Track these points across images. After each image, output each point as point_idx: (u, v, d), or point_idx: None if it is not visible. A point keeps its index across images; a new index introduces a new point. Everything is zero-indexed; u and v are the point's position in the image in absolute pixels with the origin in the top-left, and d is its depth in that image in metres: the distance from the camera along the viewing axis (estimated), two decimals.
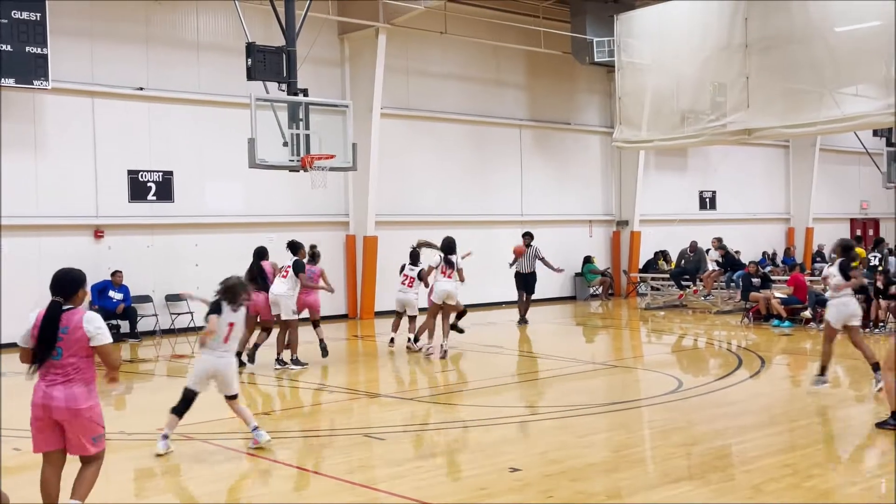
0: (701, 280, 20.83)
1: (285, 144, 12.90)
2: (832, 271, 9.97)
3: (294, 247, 12.75)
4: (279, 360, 12.50)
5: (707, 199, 27.56)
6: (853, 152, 29.73)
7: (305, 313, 13.04)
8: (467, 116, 21.78)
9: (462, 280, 13.33)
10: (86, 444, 5.43)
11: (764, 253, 27.46)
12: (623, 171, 25.01)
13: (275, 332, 12.79)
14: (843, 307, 9.80)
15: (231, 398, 7.86)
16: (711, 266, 21.53)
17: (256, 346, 12.66)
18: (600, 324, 19.53)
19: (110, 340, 5.51)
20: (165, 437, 7.66)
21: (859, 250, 20.78)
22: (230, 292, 7.82)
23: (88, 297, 5.79)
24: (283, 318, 12.42)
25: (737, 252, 23.32)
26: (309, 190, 13.89)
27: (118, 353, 5.51)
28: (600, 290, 23.94)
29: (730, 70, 17.20)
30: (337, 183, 18.42)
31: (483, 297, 20.84)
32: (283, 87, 13.26)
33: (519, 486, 6.59)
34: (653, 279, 22.91)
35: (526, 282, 18.26)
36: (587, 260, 23.88)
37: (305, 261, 12.84)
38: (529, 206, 23.05)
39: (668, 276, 22.39)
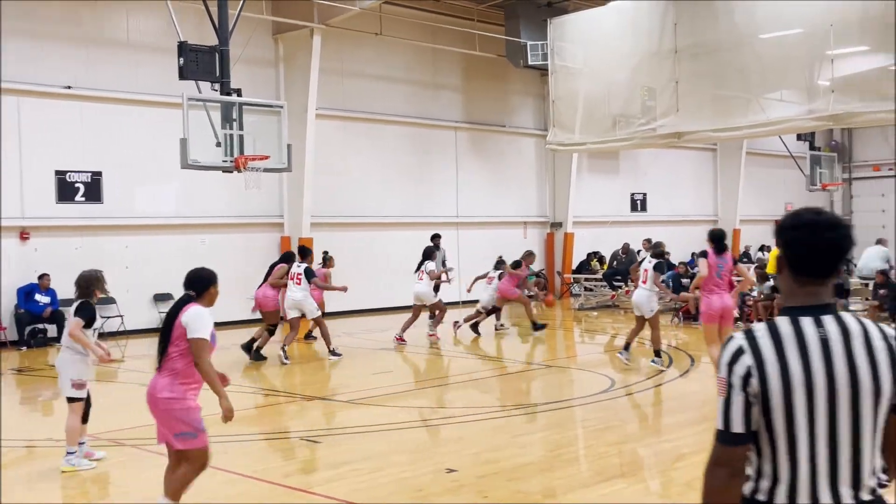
0: (633, 281, 21.14)
1: (218, 145, 12.69)
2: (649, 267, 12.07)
3: (303, 252, 13.79)
4: (332, 352, 13.52)
5: (638, 201, 28.01)
6: (778, 156, 30.48)
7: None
8: (403, 118, 21.76)
9: (432, 280, 15.30)
10: (169, 437, 5.57)
11: (693, 254, 27.97)
12: (557, 173, 25.26)
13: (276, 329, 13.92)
14: (638, 299, 12.07)
15: (69, 401, 7.36)
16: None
17: (259, 346, 13.41)
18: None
19: (200, 336, 5.47)
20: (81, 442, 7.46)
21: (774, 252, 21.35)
22: (76, 286, 7.54)
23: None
24: (310, 317, 13.70)
25: (667, 254, 23.71)
26: (243, 191, 13.72)
27: (205, 352, 5.47)
28: (535, 291, 24.08)
29: (660, 75, 17.52)
30: (271, 184, 18.22)
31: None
32: (217, 86, 13.05)
33: (455, 486, 6.60)
34: (586, 280, 23.19)
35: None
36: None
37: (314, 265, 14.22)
38: (465, 207, 23.14)
39: (600, 277, 22.68)
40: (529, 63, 21.35)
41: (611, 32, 18.43)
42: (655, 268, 12.06)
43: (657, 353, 11.95)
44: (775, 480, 2.53)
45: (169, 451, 5.76)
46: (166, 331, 5.58)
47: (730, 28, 16.48)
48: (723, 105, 17.06)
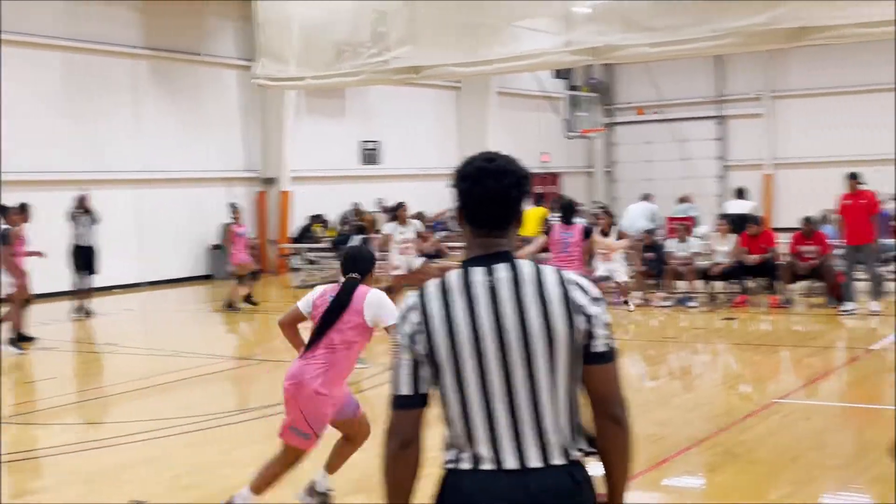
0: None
1: None
2: None
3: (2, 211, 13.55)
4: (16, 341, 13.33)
5: (370, 152, 28.35)
6: (532, 96, 32.14)
7: None
8: (62, 41, 20.61)
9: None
10: (287, 424, 6.24)
11: (438, 216, 28.89)
12: (267, 115, 25.01)
13: None
14: None
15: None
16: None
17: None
18: (244, 308, 19.49)
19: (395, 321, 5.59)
20: None
21: (542, 210, 22.58)
22: None
23: None
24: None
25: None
26: None
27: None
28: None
29: None
30: None
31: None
32: None
33: None
34: (309, 250, 23.22)
35: (86, 258, 17.40)
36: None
37: None
38: (151, 160, 22.34)
39: (326, 245, 22.81)
40: None
41: None
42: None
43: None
44: (460, 446, 2.81)
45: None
46: (335, 315, 6.08)
47: None
48: (467, 34, 17.57)
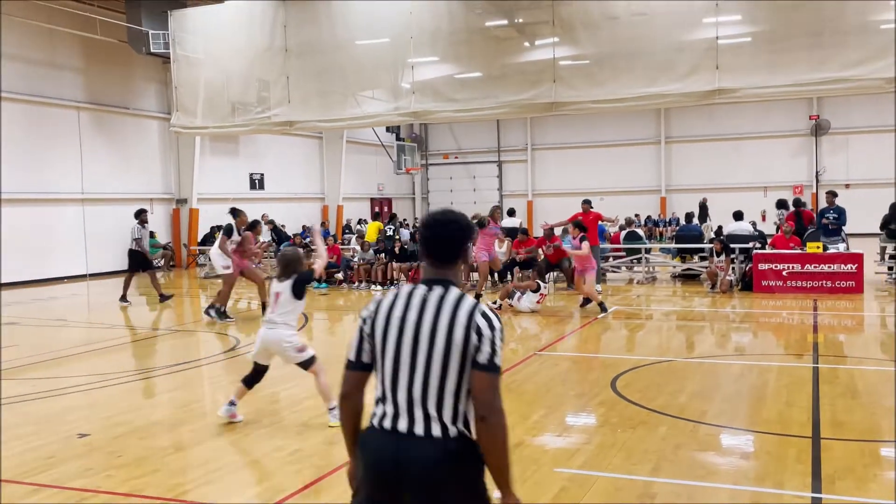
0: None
1: None
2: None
3: (234, 212, 13.05)
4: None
5: (256, 180, 27.72)
6: (371, 144, 32.14)
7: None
8: (24, 97, 19.17)
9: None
10: None
11: (303, 226, 28.44)
12: (181, 153, 24.09)
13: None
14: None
15: (305, 367, 6.59)
16: (266, 239, 21.70)
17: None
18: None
19: None
20: (232, 403, 6.73)
21: (378, 224, 22.58)
22: (281, 264, 6.58)
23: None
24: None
25: (283, 226, 23.89)
26: None
27: None
28: (162, 262, 22.94)
29: (273, 69, 17.40)
30: None
31: (45, 273, 18.70)
32: None
33: (86, 450, 6.02)
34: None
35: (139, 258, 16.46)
36: (150, 235, 22.58)
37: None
38: (92, 185, 21.12)
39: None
40: (152, 50, 19.94)
41: (228, 27, 17.88)
42: (225, 232, 13.03)
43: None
44: (377, 405, 2.80)
45: None
46: None
47: (332, 34, 16.85)
48: (327, 99, 17.43)
